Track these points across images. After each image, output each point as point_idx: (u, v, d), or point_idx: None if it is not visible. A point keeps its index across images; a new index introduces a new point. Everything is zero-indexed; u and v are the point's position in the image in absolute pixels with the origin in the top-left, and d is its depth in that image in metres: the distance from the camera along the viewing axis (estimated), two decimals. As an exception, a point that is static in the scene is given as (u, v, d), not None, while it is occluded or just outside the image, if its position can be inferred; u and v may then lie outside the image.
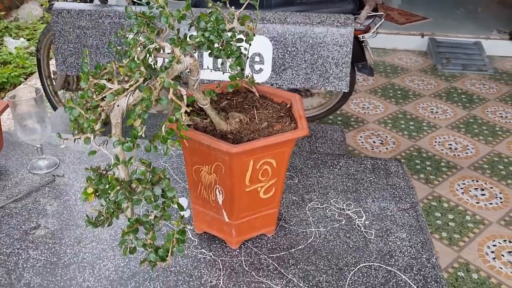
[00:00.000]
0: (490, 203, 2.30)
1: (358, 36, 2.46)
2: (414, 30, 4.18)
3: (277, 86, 1.91)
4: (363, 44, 2.58)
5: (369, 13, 2.36)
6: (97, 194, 0.75)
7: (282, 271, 0.94)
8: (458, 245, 2.05)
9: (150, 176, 0.73)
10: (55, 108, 2.74)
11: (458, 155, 2.69)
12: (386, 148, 2.74)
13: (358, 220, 1.08)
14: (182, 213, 1.03)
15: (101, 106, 0.70)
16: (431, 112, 3.12)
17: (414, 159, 2.65)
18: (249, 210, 0.95)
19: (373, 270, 0.95)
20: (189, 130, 0.85)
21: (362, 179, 1.22)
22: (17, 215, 1.08)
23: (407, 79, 3.56)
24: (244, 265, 0.96)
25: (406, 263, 0.97)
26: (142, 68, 0.68)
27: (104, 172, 0.76)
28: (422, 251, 1.00)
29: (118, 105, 0.72)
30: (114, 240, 1.01)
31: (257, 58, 1.92)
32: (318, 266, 0.96)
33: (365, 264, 0.96)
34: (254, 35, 0.80)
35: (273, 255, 0.98)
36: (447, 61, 3.77)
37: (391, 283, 0.92)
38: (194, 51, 0.77)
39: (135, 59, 0.69)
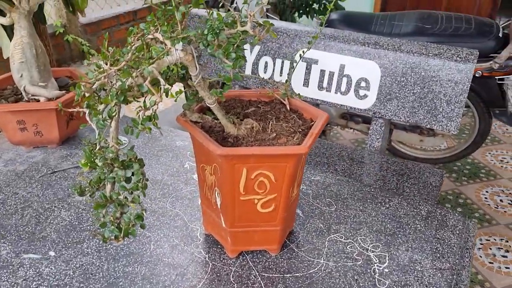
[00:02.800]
0: None
1: (496, 77, 2.18)
2: None
3: (380, 115, 1.81)
4: (504, 88, 2.28)
5: (514, 53, 2.07)
6: (90, 166, 0.82)
7: (264, 293, 0.89)
8: None
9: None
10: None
11: None
12: (514, 211, 2.36)
13: (377, 266, 0.96)
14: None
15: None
16: None
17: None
18: (246, 221, 0.92)
19: (362, 321, 0.83)
20: (189, 124, 0.86)
21: (407, 224, 1.08)
22: (71, 180, 1.21)
23: None
24: (231, 276, 0.93)
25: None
26: (129, 54, 0.72)
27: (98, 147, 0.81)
28: (433, 319, 0.84)
29: (115, 86, 0.77)
30: (132, 220, 1.07)
31: (363, 83, 1.84)
32: (305, 299, 0.88)
33: (357, 312, 0.85)
34: (259, 40, 0.78)
35: (265, 275, 0.93)
36: None
37: None
38: (196, 47, 0.78)
39: (130, 46, 0.73)
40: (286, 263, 0.96)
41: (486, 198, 2.45)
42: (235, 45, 0.76)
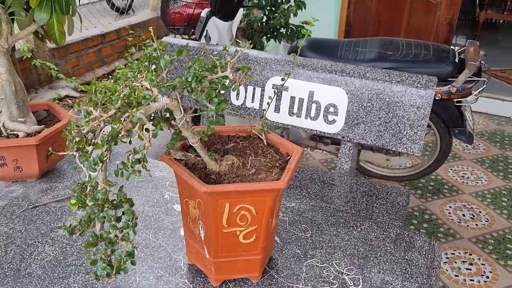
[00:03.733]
0: None
1: (454, 100, 2.32)
2: (549, 102, 3.76)
3: (348, 139, 1.89)
4: (462, 110, 2.42)
5: (470, 77, 2.21)
6: (79, 206, 0.86)
7: (248, 320, 0.94)
8: None
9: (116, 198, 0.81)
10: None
11: None
12: (476, 224, 2.49)
13: (352, 288, 1.03)
14: (184, 242, 1.08)
15: (87, 130, 0.80)
16: (545, 194, 2.76)
17: (506, 243, 2.36)
18: (228, 251, 0.97)
19: None
20: (173, 163, 0.92)
21: (378, 247, 1.16)
22: (53, 214, 1.24)
23: (526, 154, 3.19)
24: (215, 304, 0.97)
25: None
26: (120, 102, 0.77)
27: (87, 188, 0.85)
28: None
29: (104, 131, 0.82)
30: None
31: (331, 109, 1.93)
32: (286, 324, 0.93)
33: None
34: (239, 85, 0.84)
35: (248, 302, 0.98)
36: None
37: None
38: (180, 93, 0.84)
39: (118, 93, 0.78)
40: (267, 289, 1.02)
41: (450, 213, 2.58)
42: (217, 91, 0.83)
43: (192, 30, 2.60)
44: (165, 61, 0.81)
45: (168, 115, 0.91)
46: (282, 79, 1.02)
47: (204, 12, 2.49)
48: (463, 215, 2.57)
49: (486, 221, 2.53)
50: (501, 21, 5.93)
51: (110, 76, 4.44)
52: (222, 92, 0.83)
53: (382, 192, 1.91)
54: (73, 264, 1.07)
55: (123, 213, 0.80)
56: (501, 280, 2.13)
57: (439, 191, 2.78)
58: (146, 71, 0.82)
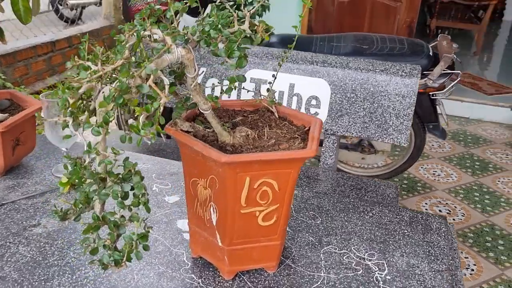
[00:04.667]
0: None
1: (430, 93, 2.31)
2: (504, 102, 3.89)
3: (332, 132, 1.81)
4: (436, 104, 2.42)
5: (444, 70, 2.21)
6: (74, 186, 0.71)
7: (272, 314, 0.81)
8: None
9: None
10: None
11: (539, 239, 2.35)
12: (453, 219, 2.48)
13: (378, 274, 0.93)
14: (184, 235, 0.95)
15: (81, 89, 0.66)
16: (513, 188, 2.80)
17: (484, 236, 2.35)
18: (245, 237, 0.84)
19: (380, 332, 0.79)
20: (182, 134, 0.79)
21: (394, 231, 1.07)
22: (23, 211, 1.06)
23: (489, 151, 3.26)
24: (231, 299, 0.84)
25: (424, 331, 0.79)
26: (127, 52, 0.64)
27: (81, 161, 0.71)
28: (448, 320, 0.82)
29: (103, 92, 0.68)
30: (106, 250, 0.95)
31: (313, 102, 1.85)
32: (316, 315, 0.82)
33: (373, 323, 0.81)
34: (263, 40, 0.74)
35: (268, 294, 0.86)
36: (538, 138, 3.42)
37: None
38: (195, 47, 0.72)
39: (123, 43, 0.65)
40: (286, 280, 0.90)
41: (426, 209, 2.56)
42: (237, 43, 0.71)
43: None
44: (176, 8, 0.68)
45: (173, 79, 0.78)
46: (273, 75, 0.92)
47: (171, 8, 2.36)
48: (440, 210, 2.55)
49: (462, 215, 2.52)
50: (450, 29, 6.17)
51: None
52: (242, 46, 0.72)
53: (371, 185, 1.85)
54: (55, 264, 0.90)
55: (132, 188, 0.66)
56: (486, 272, 2.11)
57: (414, 188, 2.76)
58: (152, 22, 0.69)
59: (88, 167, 0.67)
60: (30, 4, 1.22)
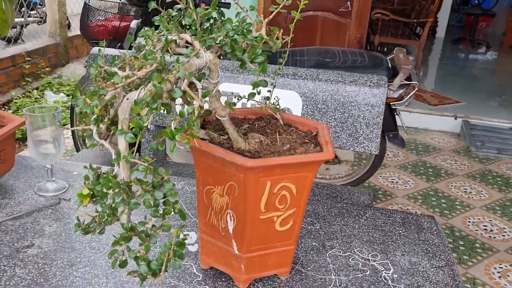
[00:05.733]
0: (532, 292, 2.08)
1: (390, 104, 2.41)
2: (447, 112, 4.13)
3: (304, 142, 1.84)
4: (395, 114, 2.53)
5: (403, 81, 2.32)
6: (93, 198, 0.68)
7: (294, 318, 0.81)
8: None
9: (153, 178, 0.66)
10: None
11: (494, 237, 2.49)
12: (416, 224, 2.58)
13: (385, 273, 0.95)
14: (189, 248, 0.93)
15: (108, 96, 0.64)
16: (465, 192, 2.97)
17: (447, 238, 2.46)
18: (262, 243, 0.84)
19: (401, 328, 0.81)
20: (203, 142, 0.78)
21: (390, 232, 1.10)
22: (12, 233, 1.00)
23: (439, 158, 3.44)
24: (251, 307, 0.83)
25: (440, 323, 0.82)
26: (157, 55, 0.63)
27: (103, 172, 0.68)
28: (460, 312, 0.85)
29: (127, 98, 0.66)
30: (110, 266, 0.91)
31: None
32: (337, 317, 0.82)
33: (392, 320, 0.83)
34: (281, 44, 0.75)
35: (285, 300, 0.86)
36: (481, 144, 3.66)
37: None
38: (216, 52, 0.72)
39: (151, 48, 0.64)
40: (300, 284, 0.90)
41: (390, 215, 2.64)
42: (258, 49, 0.72)
43: (119, 44, 2.42)
44: (201, 12, 0.68)
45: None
46: (255, 86, 0.80)
47: (134, 23, 2.33)
48: (402, 216, 2.64)
49: (423, 219, 2.63)
50: (390, 44, 6.49)
51: (6, 107, 3.97)
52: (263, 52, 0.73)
53: (345, 193, 1.89)
54: (60, 285, 0.85)
55: (165, 196, 0.65)
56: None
57: (376, 196, 2.85)
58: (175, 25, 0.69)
59: (116, 176, 0.65)
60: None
